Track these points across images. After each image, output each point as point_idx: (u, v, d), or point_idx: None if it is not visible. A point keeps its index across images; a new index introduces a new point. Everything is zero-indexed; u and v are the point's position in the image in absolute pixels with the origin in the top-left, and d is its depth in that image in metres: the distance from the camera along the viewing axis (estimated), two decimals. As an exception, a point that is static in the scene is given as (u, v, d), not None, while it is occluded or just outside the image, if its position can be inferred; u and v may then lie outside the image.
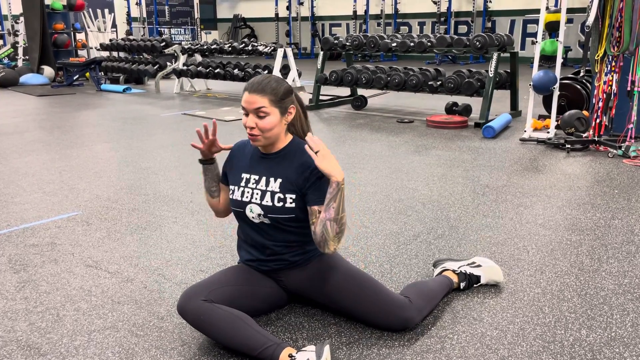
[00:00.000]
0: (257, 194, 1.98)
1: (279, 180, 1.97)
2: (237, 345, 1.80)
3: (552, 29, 5.52)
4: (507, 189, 3.74)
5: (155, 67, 10.09)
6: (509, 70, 6.57)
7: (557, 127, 5.42)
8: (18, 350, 1.91)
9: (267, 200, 1.96)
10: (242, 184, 2.03)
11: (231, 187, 2.07)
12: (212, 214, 3.27)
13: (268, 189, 1.97)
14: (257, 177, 2.01)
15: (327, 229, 1.85)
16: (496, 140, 5.40)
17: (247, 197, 2.00)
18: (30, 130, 6.07)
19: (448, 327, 2.03)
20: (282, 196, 1.95)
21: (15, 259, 2.67)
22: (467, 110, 6.62)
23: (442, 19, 15.93)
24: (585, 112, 5.49)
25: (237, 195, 2.03)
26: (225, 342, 1.82)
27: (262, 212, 1.97)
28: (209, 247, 2.80)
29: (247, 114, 1.91)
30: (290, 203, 1.95)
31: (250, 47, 8.67)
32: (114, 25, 13.56)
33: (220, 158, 2.08)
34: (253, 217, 2.00)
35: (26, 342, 1.97)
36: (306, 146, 1.85)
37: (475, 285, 2.32)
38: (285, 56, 8.28)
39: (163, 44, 10.07)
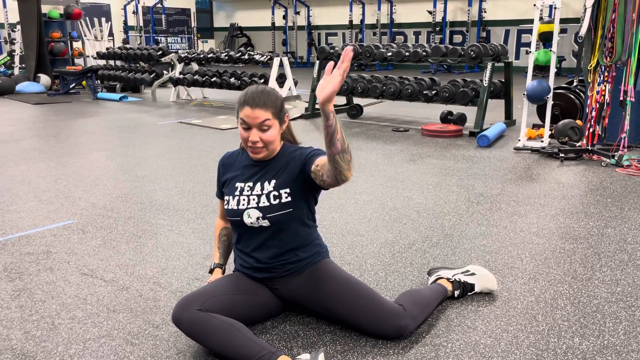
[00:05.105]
0: (253, 199, 2.01)
1: (273, 181, 2.02)
2: (232, 354, 1.80)
3: (545, 39, 5.55)
4: (501, 198, 3.76)
5: (151, 76, 10.12)
6: (503, 80, 6.61)
7: (551, 136, 5.46)
8: (13, 359, 1.91)
9: (263, 202, 2.00)
10: (237, 193, 2.05)
11: (226, 197, 2.08)
12: (208, 223, 3.28)
13: (264, 192, 2.01)
14: (251, 184, 2.04)
15: (338, 162, 1.77)
16: (491, 149, 5.43)
17: (243, 204, 2.02)
18: (26, 139, 6.07)
19: (442, 335, 2.04)
20: (276, 193, 1.99)
21: (11, 267, 2.67)
22: (461, 119, 6.66)
23: (437, 28, 16.03)
24: (578, 122, 5.53)
25: (232, 205, 2.04)
26: (221, 351, 1.82)
27: (261, 215, 1.99)
28: (205, 255, 2.80)
29: (248, 128, 1.93)
30: (286, 197, 1.99)
31: (246, 56, 8.71)
32: (110, 34, 13.61)
33: (216, 161, 2.09)
34: (252, 222, 2.02)
35: (21, 350, 1.97)
36: (330, 64, 1.71)
37: (469, 294, 2.33)
38: (281, 65, 8.32)
39: (160, 52, 10.10)
